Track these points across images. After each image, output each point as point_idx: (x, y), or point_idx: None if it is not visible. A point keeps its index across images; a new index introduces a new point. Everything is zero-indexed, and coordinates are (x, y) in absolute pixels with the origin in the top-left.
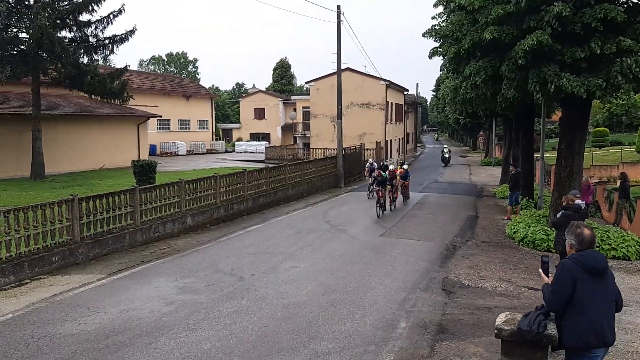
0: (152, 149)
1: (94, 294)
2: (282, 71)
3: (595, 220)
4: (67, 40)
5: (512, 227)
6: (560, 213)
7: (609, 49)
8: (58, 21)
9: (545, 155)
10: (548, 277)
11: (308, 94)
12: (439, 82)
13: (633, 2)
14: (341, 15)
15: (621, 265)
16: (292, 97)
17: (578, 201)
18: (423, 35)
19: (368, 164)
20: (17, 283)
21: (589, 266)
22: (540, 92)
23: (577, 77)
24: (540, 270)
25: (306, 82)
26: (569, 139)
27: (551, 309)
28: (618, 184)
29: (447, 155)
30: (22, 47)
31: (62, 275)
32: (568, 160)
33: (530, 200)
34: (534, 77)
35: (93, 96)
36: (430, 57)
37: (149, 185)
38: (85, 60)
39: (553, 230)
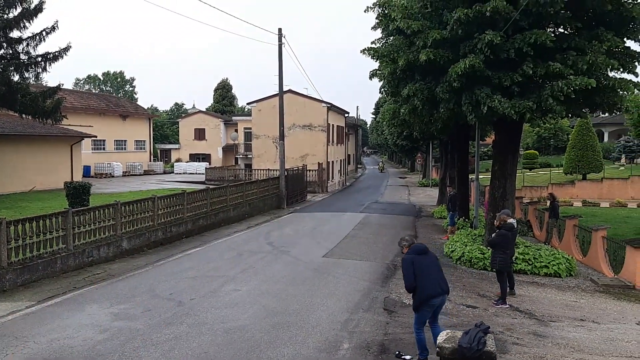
0: (86, 170)
1: (22, 322)
2: (224, 92)
3: (528, 238)
4: None
5: (450, 247)
6: (496, 233)
7: (540, 72)
8: None
9: (480, 177)
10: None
11: (250, 115)
12: (378, 105)
13: (559, 32)
14: (282, 38)
15: (553, 282)
16: (234, 118)
17: (510, 220)
18: (361, 51)
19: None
20: None
21: (417, 250)
22: (473, 113)
23: (509, 100)
24: None
25: (248, 103)
26: (502, 161)
27: (408, 289)
28: (548, 204)
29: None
30: None
31: None
32: (501, 181)
33: (466, 220)
34: (467, 99)
35: (24, 115)
36: (370, 78)
37: (82, 208)
38: (16, 78)
39: (489, 249)
